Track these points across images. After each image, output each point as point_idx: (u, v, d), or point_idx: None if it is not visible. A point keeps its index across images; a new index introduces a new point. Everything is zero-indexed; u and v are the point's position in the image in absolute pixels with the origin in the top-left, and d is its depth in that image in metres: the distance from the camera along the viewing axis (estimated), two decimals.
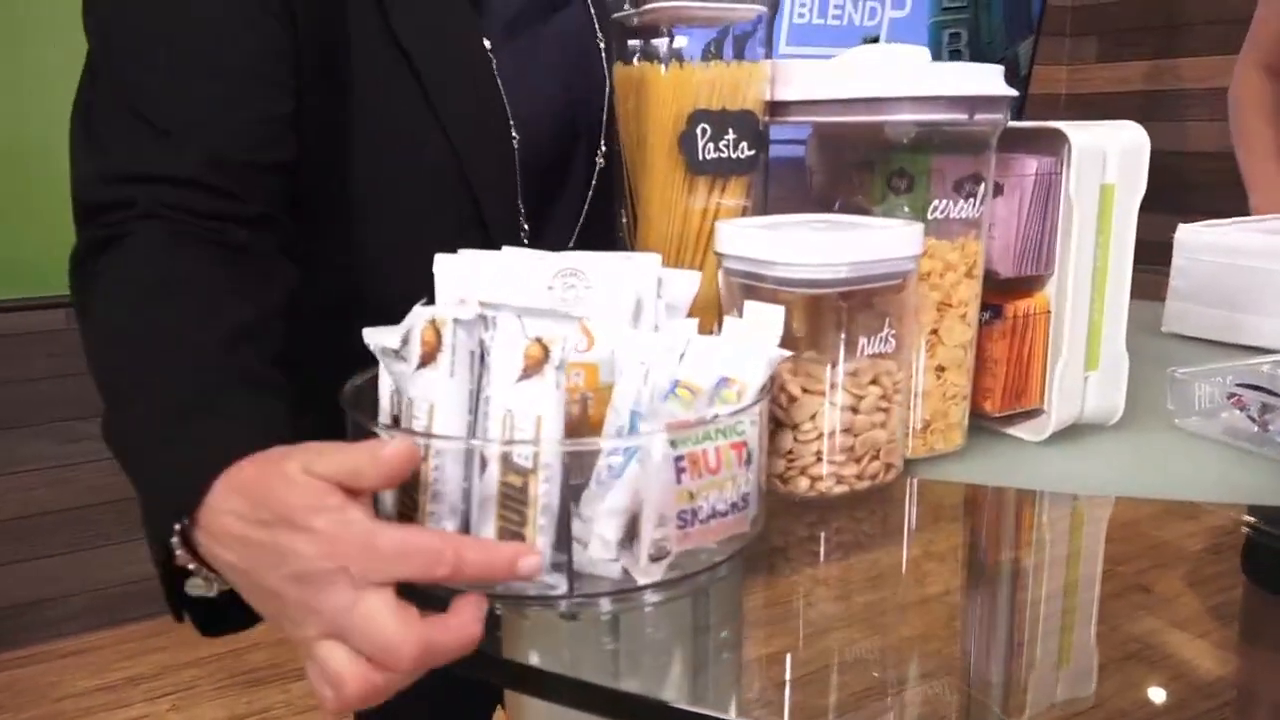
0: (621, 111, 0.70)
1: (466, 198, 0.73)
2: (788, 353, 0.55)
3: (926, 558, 0.60)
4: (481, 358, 0.50)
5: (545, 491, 0.46)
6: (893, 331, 0.61)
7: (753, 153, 0.68)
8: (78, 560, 2.19)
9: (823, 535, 0.61)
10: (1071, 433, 0.73)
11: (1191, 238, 1.03)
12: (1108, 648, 0.52)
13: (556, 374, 0.48)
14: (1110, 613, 0.55)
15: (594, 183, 0.82)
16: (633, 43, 0.68)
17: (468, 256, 0.62)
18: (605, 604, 0.50)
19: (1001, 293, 0.71)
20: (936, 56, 3.74)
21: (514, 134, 0.75)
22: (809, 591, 0.56)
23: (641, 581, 0.47)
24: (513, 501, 0.46)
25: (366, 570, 0.41)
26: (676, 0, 0.64)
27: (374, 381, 0.54)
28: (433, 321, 0.49)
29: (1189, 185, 2.82)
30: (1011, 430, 0.74)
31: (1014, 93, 0.65)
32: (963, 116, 0.63)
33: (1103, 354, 0.72)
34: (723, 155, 0.67)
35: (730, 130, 0.67)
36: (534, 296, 0.61)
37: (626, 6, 0.67)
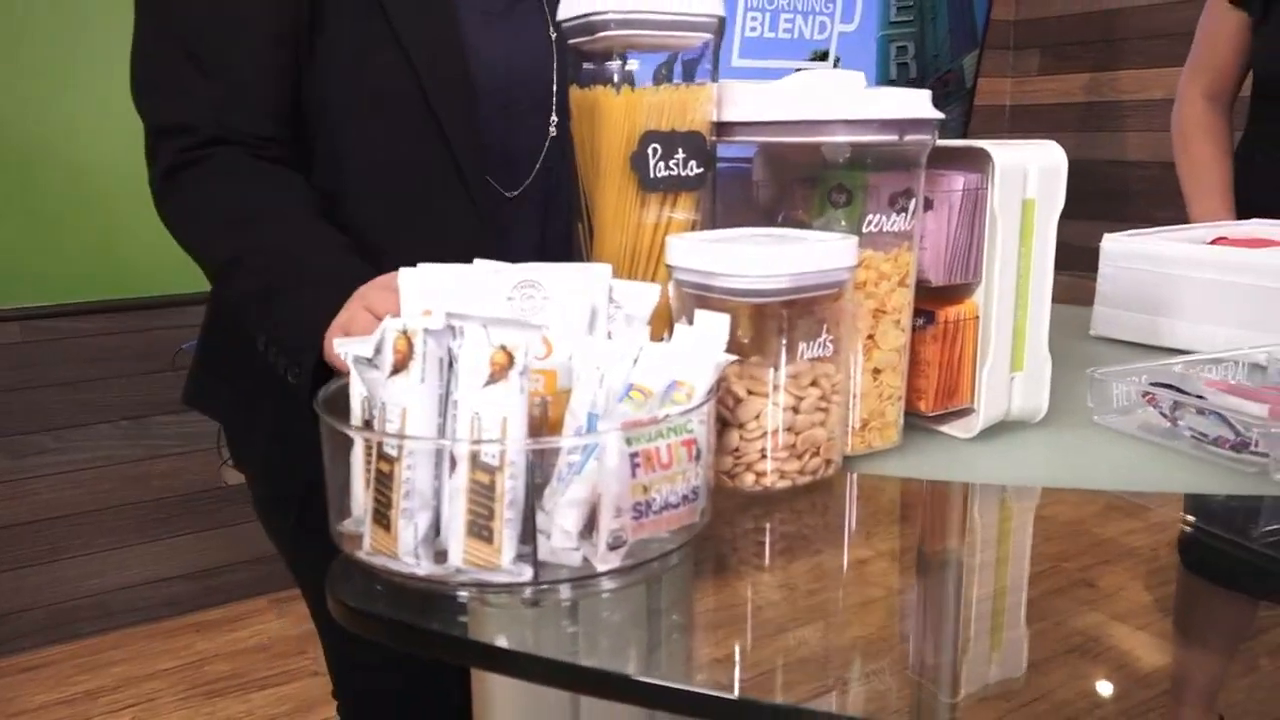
0: (577, 132, 0.74)
1: (430, 119, 0.86)
2: (734, 357, 0.60)
3: (864, 548, 0.65)
4: (450, 364, 0.53)
5: (511, 487, 0.50)
6: (830, 337, 0.66)
7: (701, 170, 0.73)
8: (34, 574, 2.18)
9: (768, 526, 0.66)
10: (1000, 430, 0.79)
11: (1115, 246, 1.10)
12: (1053, 641, 0.57)
13: (520, 379, 0.52)
14: (1056, 607, 0.60)
15: (547, 145, 0.96)
16: (587, 66, 0.72)
17: (432, 270, 0.66)
18: (566, 590, 0.54)
19: (934, 300, 0.77)
20: (884, 69, 3.82)
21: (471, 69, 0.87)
22: (755, 579, 0.61)
23: (601, 568, 0.51)
24: (481, 497, 0.50)
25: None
26: (627, 29, 0.69)
27: (345, 388, 0.58)
28: (404, 332, 0.52)
29: (1127, 193, 2.94)
30: (944, 428, 0.79)
31: (941, 116, 0.70)
32: (893, 138, 0.68)
33: (1027, 356, 0.78)
34: (673, 173, 0.71)
35: (680, 149, 0.71)
36: (495, 307, 0.65)
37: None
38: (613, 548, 0.51)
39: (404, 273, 0.65)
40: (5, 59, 1.99)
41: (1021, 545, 0.69)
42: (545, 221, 0.97)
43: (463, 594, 0.53)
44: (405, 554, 0.51)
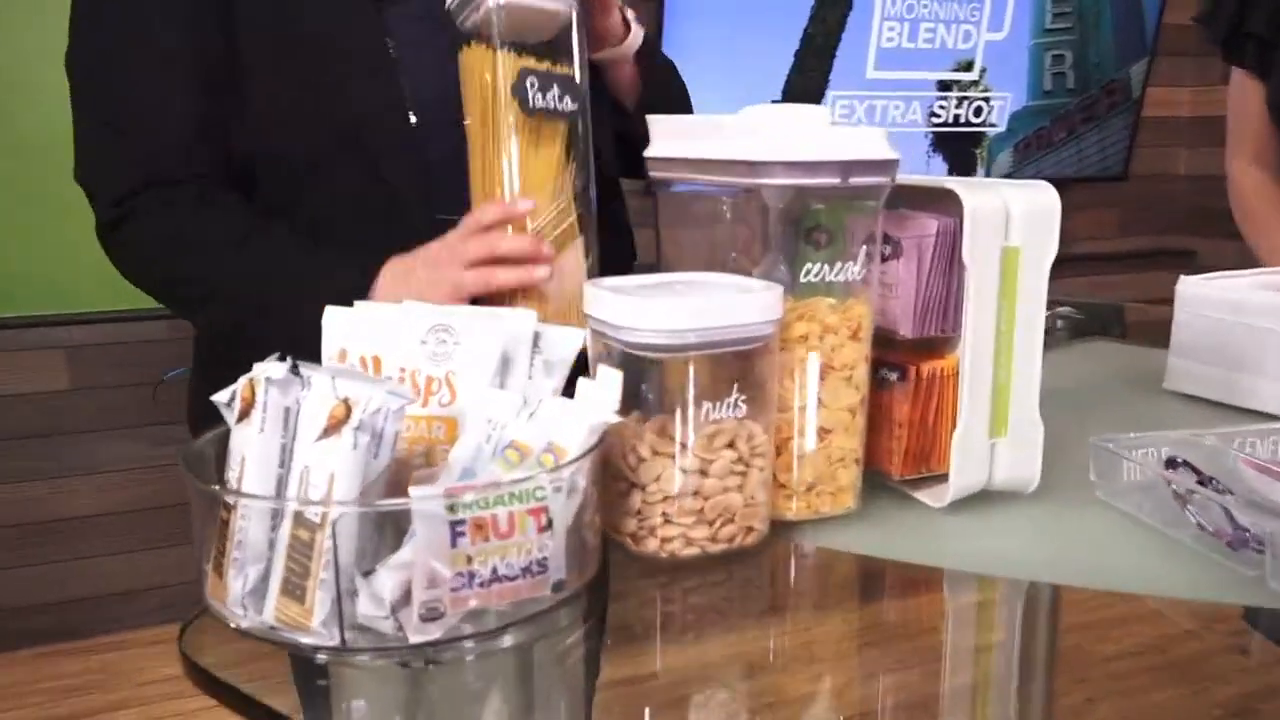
0: (465, 82, 0.81)
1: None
2: (613, 419, 0.56)
3: (784, 625, 0.59)
4: (297, 415, 0.53)
5: (329, 547, 0.49)
6: (743, 396, 0.61)
7: (575, 106, 0.81)
8: (50, 572, 2.28)
9: (674, 596, 0.61)
10: (981, 500, 0.71)
11: (1191, 291, 0.97)
12: None
13: (355, 434, 0.50)
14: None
15: None
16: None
17: (356, 310, 0.66)
18: (420, 661, 0.51)
19: (909, 353, 0.70)
20: (1038, 80, 3.56)
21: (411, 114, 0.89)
22: (654, 651, 0.56)
23: (414, 640, 0.49)
24: (299, 554, 0.49)
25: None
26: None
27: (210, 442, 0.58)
28: (250, 379, 0.52)
29: None
30: (917, 494, 0.72)
31: (896, 155, 0.64)
32: (835, 180, 0.62)
33: (1012, 419, 0.69)
34: (549, 106, 0.79)
35: (555, 85, 0.79)
36: (408, 351, 0.63)
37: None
38: (426, 619, 0.48)
39: (329, 311, 0.65)
40: None
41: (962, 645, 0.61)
42: None
43: (321, 657, 0.52)
44: (233, 604, 0.51)
